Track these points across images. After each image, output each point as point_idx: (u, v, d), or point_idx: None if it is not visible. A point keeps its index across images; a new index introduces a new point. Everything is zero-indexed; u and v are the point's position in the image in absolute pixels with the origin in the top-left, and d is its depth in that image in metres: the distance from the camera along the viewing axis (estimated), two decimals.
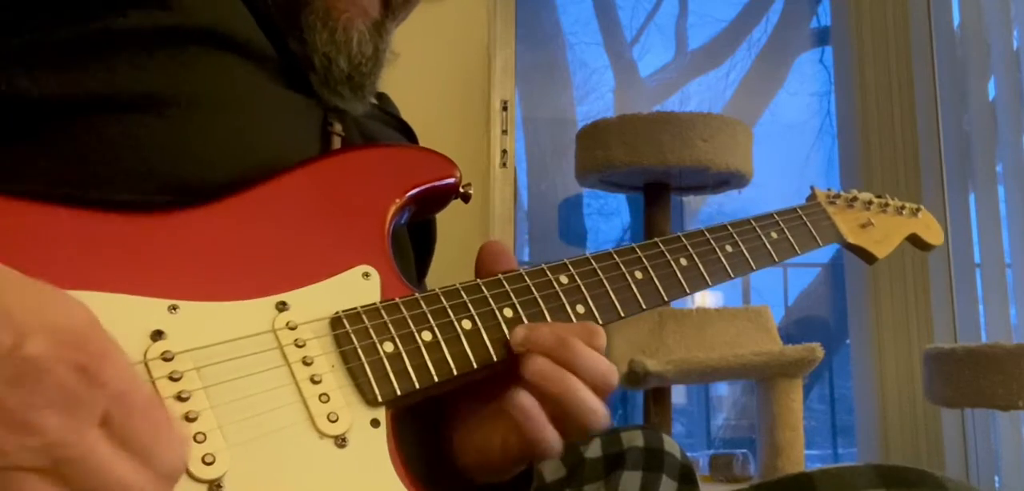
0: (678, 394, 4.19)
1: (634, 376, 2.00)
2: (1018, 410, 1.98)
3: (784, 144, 4.79)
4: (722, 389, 4.62)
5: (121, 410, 0.41)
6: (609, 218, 4.86)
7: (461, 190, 0.73)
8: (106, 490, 0.40)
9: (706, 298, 4.40)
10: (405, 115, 0.89)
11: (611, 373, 0.61)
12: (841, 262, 3.26)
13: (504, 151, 2.31)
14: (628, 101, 4.96)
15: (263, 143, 0.65)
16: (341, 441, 0.53)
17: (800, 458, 2.13)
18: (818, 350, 2.07)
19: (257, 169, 0.63)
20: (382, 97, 0.89)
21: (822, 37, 4.94)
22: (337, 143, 0.72)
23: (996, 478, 2.61)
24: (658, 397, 2.21)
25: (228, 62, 0.64)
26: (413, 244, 0.80)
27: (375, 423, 0.55)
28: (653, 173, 2.23)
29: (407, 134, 0.86)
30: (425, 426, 0.66)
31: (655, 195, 2.34)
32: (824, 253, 4.75)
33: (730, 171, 2.18)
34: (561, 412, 0.59)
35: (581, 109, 4.89)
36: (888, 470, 0.60)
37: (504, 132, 2.32)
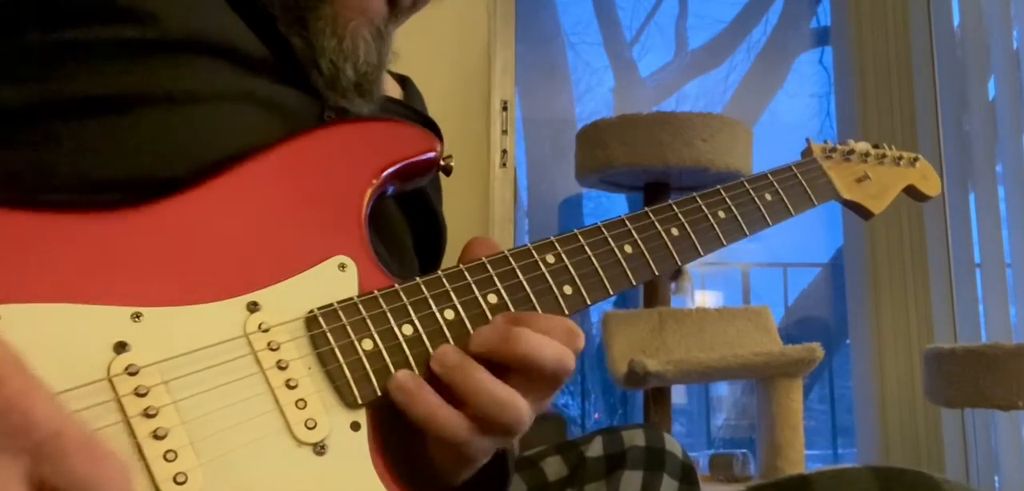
0: (678, 394, 4.19)
1: (634, 376, 2.00)
2: (1018, 410, 1.98)
3: (785, 144, 4.79)
4: (722, 389, 4.63)
5: (51, 454, 0.38)
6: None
7: (442, 163, 0.70)
8: None
9: (706, 298, 4.40)
10: None
11: (564, 358, 0.56)
12: (841, 262, 3.26)
13: (504, 151, 2.31)
14: (628, 101, 4.97)
15: (243, 137, 0.61)
16: (320, 448, 0.51)
17: (800, 458, 2.13)
18: (818, 350, 2.06)
19: (228, 162, 0.59)
20: (407, 85, 0.87)
21: (822, 37, 4.95)
22: None
23: (996, 478, 2.61)
24: (658, 397, 2.21)
25: (203, 63, 0.62)
26: (421, 246, 0.79)
27: (355, 426, 0.52)
28: (653, 173, 2.23)
29: (430, 129, 0.84)
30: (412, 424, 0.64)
31: (655, 195, 2.34)
32: (825, 252, 4.75)
33: (730, 171, 2.18)
34: (466, 404, 0.55)
35: (581, 109, 4.90)
36: (886, 472, 0.60)
37: (504, 132, 2.32)
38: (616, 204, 4.58)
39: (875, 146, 0.92)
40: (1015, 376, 1.96)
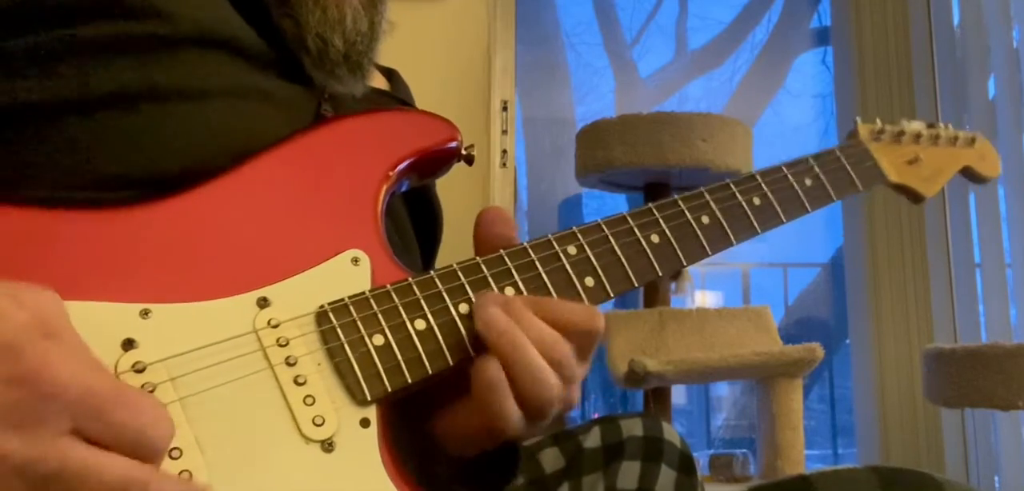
0: (678, 394, 4.19)
1: (634, 376, 2.00)
2: (1018, 410, 1.98)
3: (787, 144, 4.79)
4: (722, 389, 4.63)
5: (89, 411, 0.39)
6: None
7: (463, 152, 0.68)
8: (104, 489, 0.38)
9: (706, 298, 4.40)
10: None
11: (589, 319, 0.56)
12: (841, 262, 3.26)
13: (504, 151, 2.30)
14: (628, 101, 4.97)
15: (245, 132, 0.61)
16: (328, 445, 0.50)
17: (800, 458, 2.13)
18: (818, 350, 2.06)
19: (238, 159, 0.59)
20: (393, 77, 0.85)
21: (822, 37, 4.95)
22: None
23: (996, 478, 2.61)
24: (658, 397, 2.21)
25: (209, 58, 0.61)
26: (416, 232, 0.77)
27: (365, 423, 0.52)
28: (653, 173, 2.23)
29: None
30: (422, 412, 0.64)
31: (655, 195, 2.34)
32: (825, 252, 4.75)
33: (730, 171, 2.18)
34: (511, 374, 0.55)
35: (581, 109, 4.90)
36: (887, 473, 0.60)
37: (504, 132, 2.32)
38: (616, 204, 4.59)
39: (929, 125, 0.86)
40: (1015, 376, 1.96)
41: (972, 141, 0.89)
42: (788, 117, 4.99)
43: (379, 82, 0.83)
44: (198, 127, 0.59)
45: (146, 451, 0.40)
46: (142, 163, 0.57)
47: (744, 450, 2.43)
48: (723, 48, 5.07)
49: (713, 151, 2.14)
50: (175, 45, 0.60)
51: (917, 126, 0.85)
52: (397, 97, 0.82)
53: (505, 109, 2.33)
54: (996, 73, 2.76)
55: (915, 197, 0.84)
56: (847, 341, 3.48)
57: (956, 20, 2.84)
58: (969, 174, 0.89)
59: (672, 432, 0.79)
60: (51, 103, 0.56)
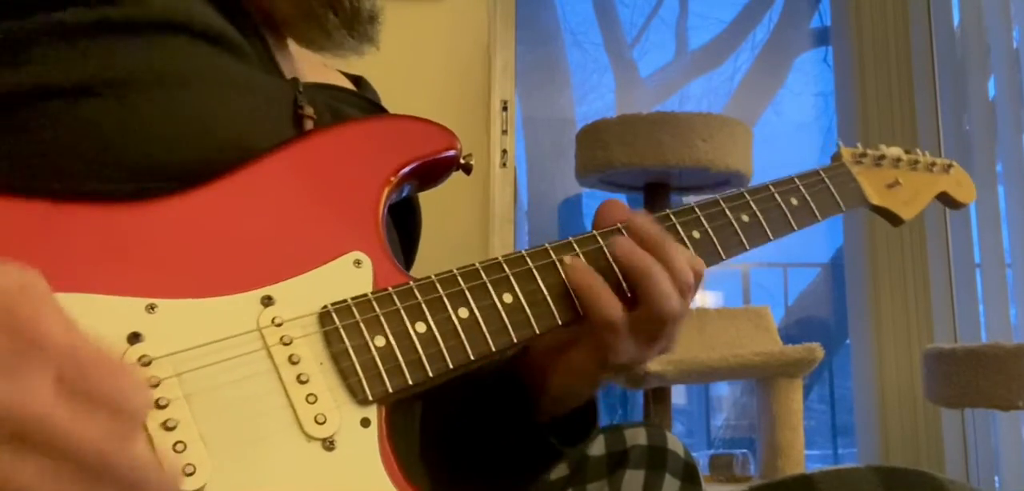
0: (678, 394, 4.19)
1: (634, 376, 2.00)
2: (1018, 410, 1.98)
3: (789, 144, 4.79)
4: (722, 389, 4.62)
5: (72, 366, 0.39)
6: None
7: (462, 161, 0.69)
8: (79, 448, 0.38)
9: (706, 298, 4.40)
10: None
11: (692, 259, 0.63)
12: (841, 262, 3.26)
13: (504, 151, 2.30)
14: (628, 101, 4.96)
15: (229, 121, 0.62)
16: (329, 444, 0.50)
17: (800, 458, 2.13)
18: (818, 350, 2.06)
19: (225, 148, 0.59)
20: (361, 83, 0.87)
21: (823, 37, 4.95)
22: (308, 124, 0.69)
23: (996, 478, 2.61)
24: (658, 397, 2.21)
25: (186, 45, 0.62)
26: (399, 228, 0.77)
27: (365, 422, 0.52)
28: (653, 173, 2.23)
29: None
30: (427, 410, 0.64)
31: (655, 195, 2.34)
32: (825, 252, 4.75)
33: (730, 171, 2.18)
34: (638, 294, 0.61)
35: (581, 109, 4.89)
36: (889, 472, 0.60)
37: (504, 132, 2.32)
38: None
39: (907, 151, 0.90)
40: (1015, 376, 1.96)
41: (948, 168, 0.92)
42: (790, 116, 4.98)
43: (344, 82, 0.84)
44: (181, 115, 0.60)
45: (124, 414, 0.40)
46: (125, 152, 0.57)
47: (744, 450, 2.43)
48: (724, 47, 5.06)
49: (713, 151, 2.14)
50: (152, 30, 0.60)
51: (896, 151, 0.89)
52: (363, 97, 0.83)
53: (505, 109, 2.33)
54: (996, 73, 2.76)
55: (894, 220, 0.87)
56: (847, 341, 3.48)
57: (956, 20, 2.84)
58: (945, 200, 0.92)
59: (676, 442, 0.80)
60: (28, 91, 0.56)
